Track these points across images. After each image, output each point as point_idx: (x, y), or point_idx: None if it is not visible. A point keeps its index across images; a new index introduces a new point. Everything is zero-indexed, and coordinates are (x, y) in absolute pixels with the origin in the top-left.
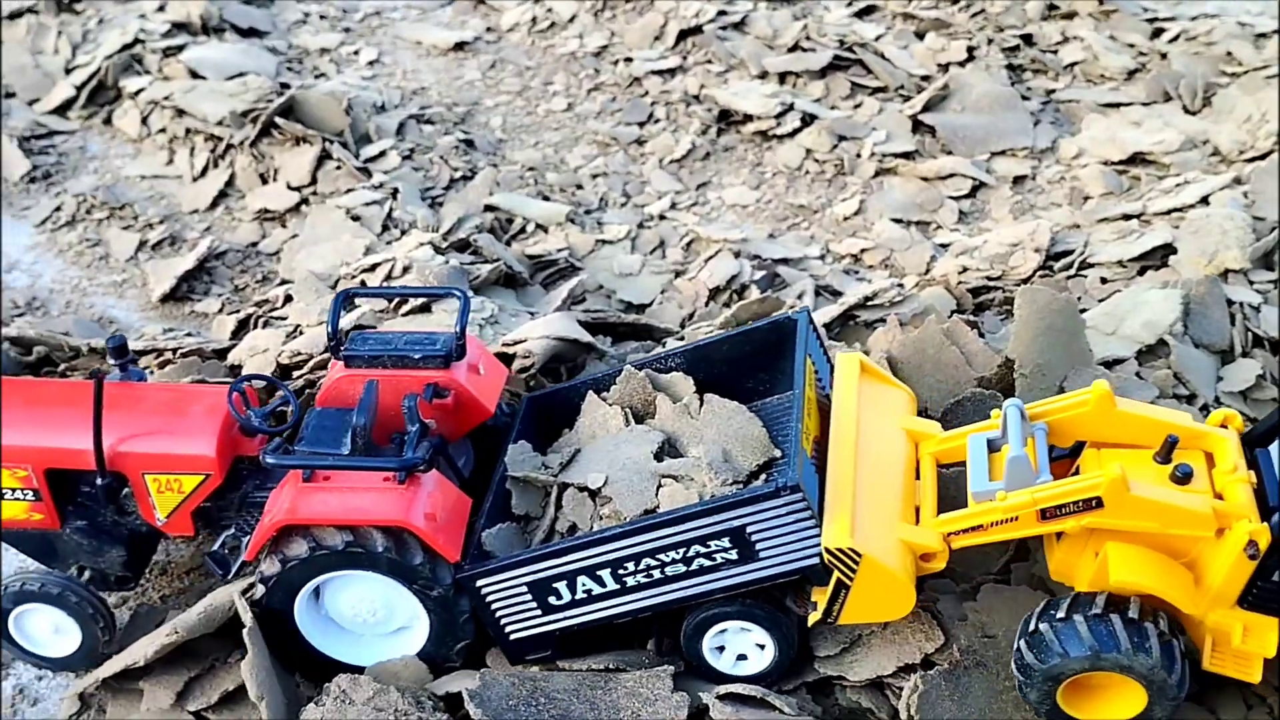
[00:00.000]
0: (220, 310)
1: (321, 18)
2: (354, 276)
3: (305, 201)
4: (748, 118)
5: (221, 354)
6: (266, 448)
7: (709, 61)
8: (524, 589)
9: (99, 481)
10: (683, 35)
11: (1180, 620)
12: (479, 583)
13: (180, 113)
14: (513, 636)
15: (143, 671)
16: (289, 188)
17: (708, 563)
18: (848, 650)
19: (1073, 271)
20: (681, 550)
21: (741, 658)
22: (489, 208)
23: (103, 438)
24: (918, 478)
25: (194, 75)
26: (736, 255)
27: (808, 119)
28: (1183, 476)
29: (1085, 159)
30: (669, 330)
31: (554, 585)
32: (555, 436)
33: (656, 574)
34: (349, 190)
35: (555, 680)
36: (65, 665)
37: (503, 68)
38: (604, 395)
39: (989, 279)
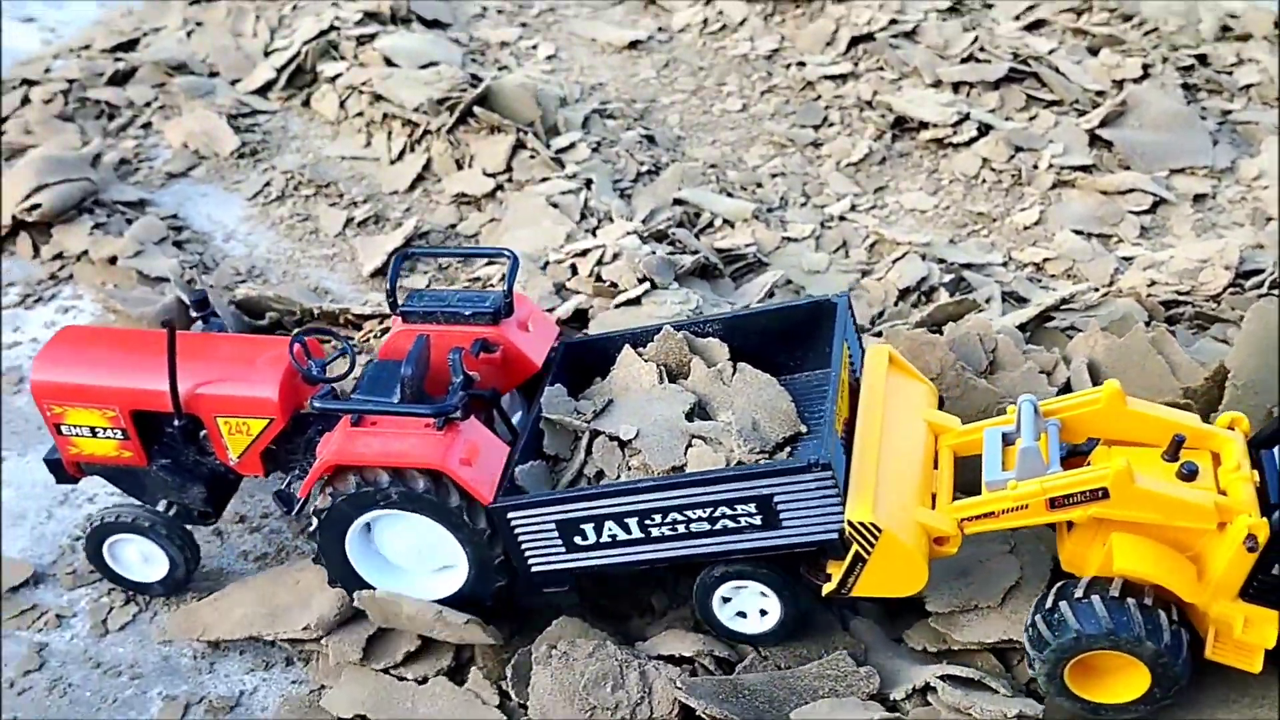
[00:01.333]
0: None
1: (499, 12)
2: (564, 261)
3: (500, 188)
4: (923, 125)
5: None
6: (315, 394)
7: (881, 68)
8: (552, 526)
9: (176, 423)
10: (854, 41)
11: (1185, 611)
12: (509, 515)
13: (378, 98)
14: (535, 569)
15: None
16: (485, 174)
17: (731, 525)
18: (960, 613)
19: (1264, 290)
20: (708, 510)
21: (741, 615)
22: (677, 201)
23: (177, 382)
24: (936, 467)
25: (388, 63)
26: (923, 258)
27: (984, 129)
28: (1188, 473)
29: (1265, 180)
30: (860, 328)
31: (581, 526)
32: (588, 384)
33: (681, 528)
34: (544, 179)
35: (747, 679)
36: (152, 591)
37: (676, 67)
38: (639, 351)
39: (1179, 293)
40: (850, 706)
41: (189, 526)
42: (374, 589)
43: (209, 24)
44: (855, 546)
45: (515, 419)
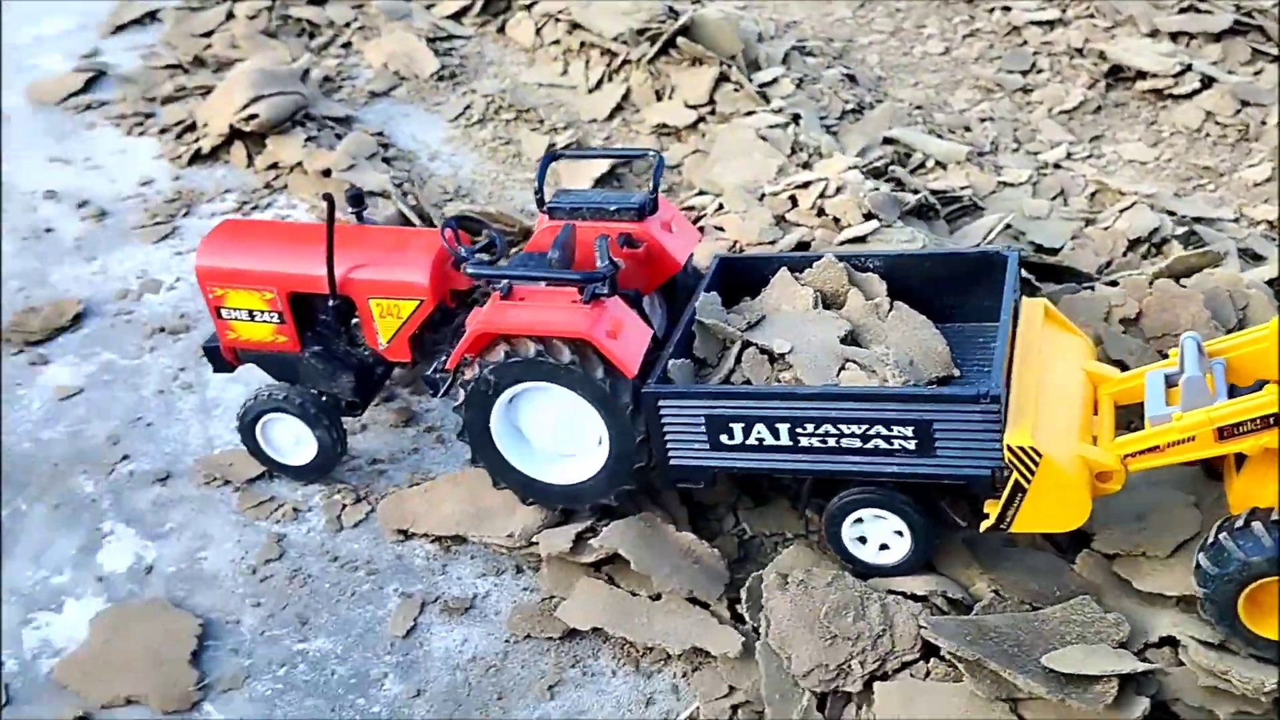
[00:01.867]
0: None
1: None
2: (783, 193)
3: (702, 119)
4: (1141, 75)
5: None
6: (469, 261)
7: (1092, 15)
8: (701, 420)
9: (330, 304)
10: None
11: None
12: (660, 402)
13: (575, 26)
14: (673, 461)
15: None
16: (686, 105)
17: (884, 445)
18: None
19: None
20: (864, 426)
21: (883, 547)
22: (887, 140)
23: (334, 264)
24: (1096, 414)
25: None
26: (1150, 209)
27: (1207, 81)
28: None
29: None
30: (1089, 275)
31: (730, 425)
32: (738, 302)
33: (831, 442)
34: (749, 112)
35: (990, 621)
36: (299, 474)
37: (872, 8)
38: (796, 275)
39: None
40: (1104, 655)
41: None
42: (515, 468)
43: None
44: (1015, 475)
45: (657, 324)
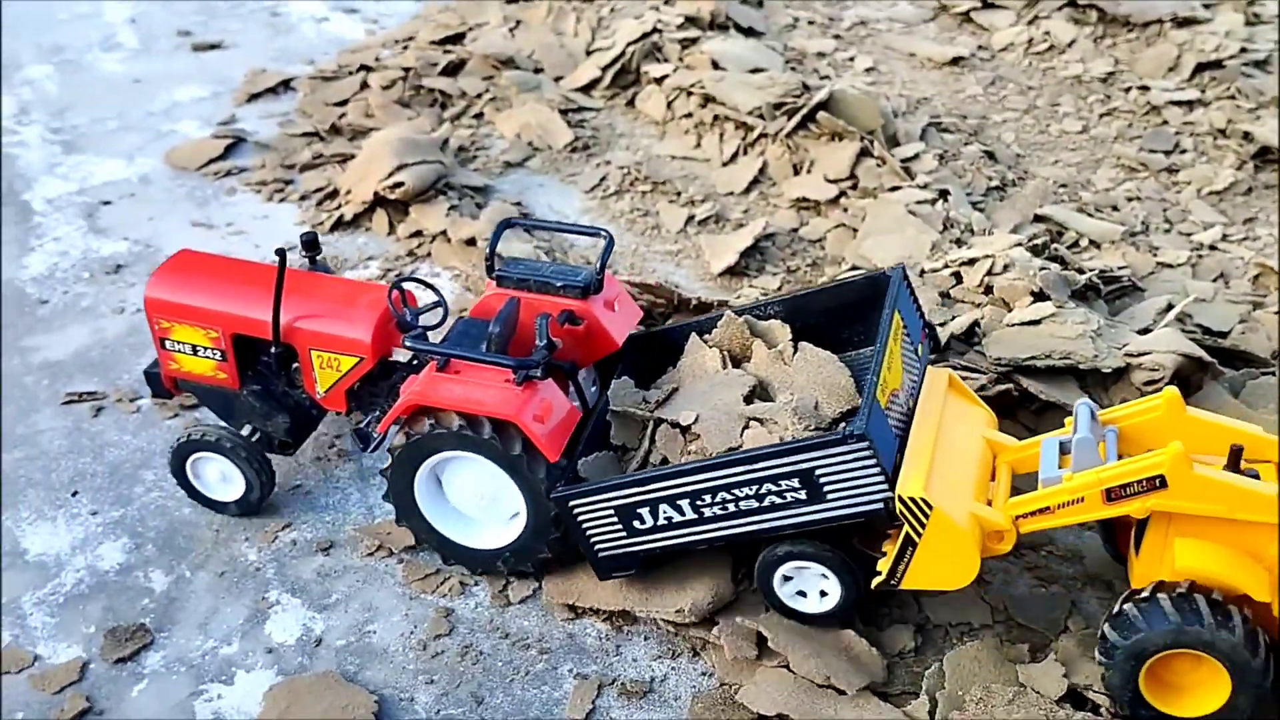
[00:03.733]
0: (779, 288)
1: (810, 23)
2: (944, 269)
3: (844, 194)
4: None
5: None
6: (409, 335)
7: (1233, 97)
8: (611, 512)
9: (273, 350)
10: (1200, 68)
11: (1259, 614)
12: (572, 503)
13: (708, 100)
14: (601, 554)
15: None
16: (827, 180)
17: (779, 500)
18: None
19: None
20: (755, 487)
21: (801, 594)
22: (1038, 218)
23: (280, 311)
24: (994, 480)
25: (715, 66)
26: None
27: None
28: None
29: None
30: (1264, 360)
31: (638, 510)
32: (659, 375)
33: (731, 507)
34: (894, 187)
35: None
36: (226, 509)
37: (1003, 85)
38: (705, 338)
39: None
40: None
41: (269, 455)
42: (438, 530)
43: (531, 22)
44: (906, 528)
45: (591, 397)
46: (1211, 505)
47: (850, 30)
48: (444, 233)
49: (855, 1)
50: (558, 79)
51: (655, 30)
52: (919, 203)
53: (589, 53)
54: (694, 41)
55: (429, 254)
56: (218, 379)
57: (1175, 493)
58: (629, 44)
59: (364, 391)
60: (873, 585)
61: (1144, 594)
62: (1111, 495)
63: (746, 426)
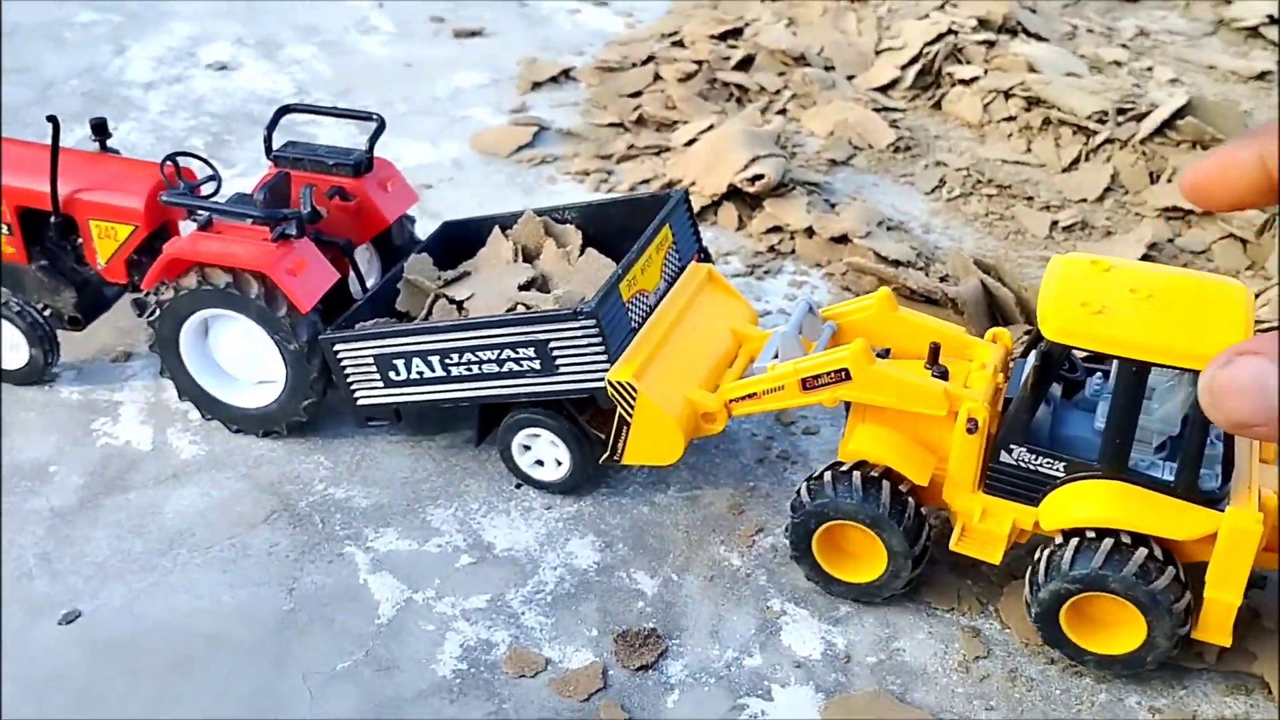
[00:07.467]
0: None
1: (1089, 31)
2: None
3: None
4: None
5: None
6: (168, 193)
7: None
8: (370, 360)
9: (53, 220)
10: None
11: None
12: (336, 347)
13: (1034, 103)
14: (360, 402)
15: None
16: None
17: (516, 368)
18: None
19: None
20: (495, 352)
21: (539, 463)
22: None
23: (58, 183)
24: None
25: (1030, 69)
26: None
27: None
28: (939, 375)
29: None
30: None
31: (394, 362)
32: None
33: (476, 369)
34: None
35: None
36: (7, 378)
37: None
38: (507, 232)
39: None
40: None
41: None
42: (200, 386)
43: (809, 18)
44: (619, 410)
45: (370, 282)
46: (886, 397)
47: (1134, 40)
48: (808, 229)
49: (1127, 13)
50: (850, 77)
51: (950, 31)
52: None
53: (878, 52)
54: (991, 44)
55: (792, 250)
56: (7, 254)
57: (857, 384)
58: (925, 44)
59: (145, 263)
60: (600, 461)
61: (844, 468)
62: (806, 384)
63: (513, 309)
